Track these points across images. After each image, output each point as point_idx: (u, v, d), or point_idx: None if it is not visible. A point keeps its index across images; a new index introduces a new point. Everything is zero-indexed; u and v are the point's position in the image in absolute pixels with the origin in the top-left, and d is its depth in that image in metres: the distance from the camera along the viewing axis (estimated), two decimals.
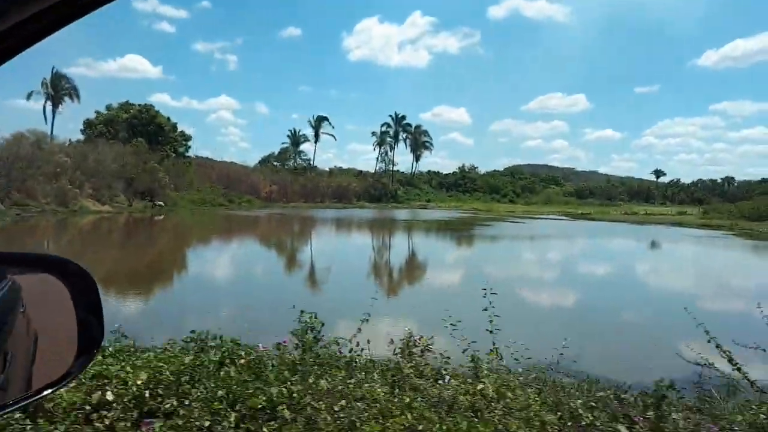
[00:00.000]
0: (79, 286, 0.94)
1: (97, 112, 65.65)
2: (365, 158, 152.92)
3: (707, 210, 71.92)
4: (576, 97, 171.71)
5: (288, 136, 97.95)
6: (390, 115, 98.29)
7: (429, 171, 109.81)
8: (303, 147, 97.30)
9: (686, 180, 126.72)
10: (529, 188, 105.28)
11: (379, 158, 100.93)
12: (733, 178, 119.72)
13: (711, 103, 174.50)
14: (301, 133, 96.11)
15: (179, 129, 69.71)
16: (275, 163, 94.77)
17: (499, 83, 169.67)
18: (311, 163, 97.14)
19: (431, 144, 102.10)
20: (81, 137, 63.21)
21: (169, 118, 68.34)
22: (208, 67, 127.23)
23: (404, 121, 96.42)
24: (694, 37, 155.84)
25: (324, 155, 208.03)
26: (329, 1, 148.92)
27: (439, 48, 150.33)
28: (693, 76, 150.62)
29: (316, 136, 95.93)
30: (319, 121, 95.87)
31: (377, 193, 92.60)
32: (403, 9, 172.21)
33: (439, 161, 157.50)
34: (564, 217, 70.99)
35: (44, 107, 60.25)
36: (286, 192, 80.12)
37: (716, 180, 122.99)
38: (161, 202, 51.26)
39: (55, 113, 60.49)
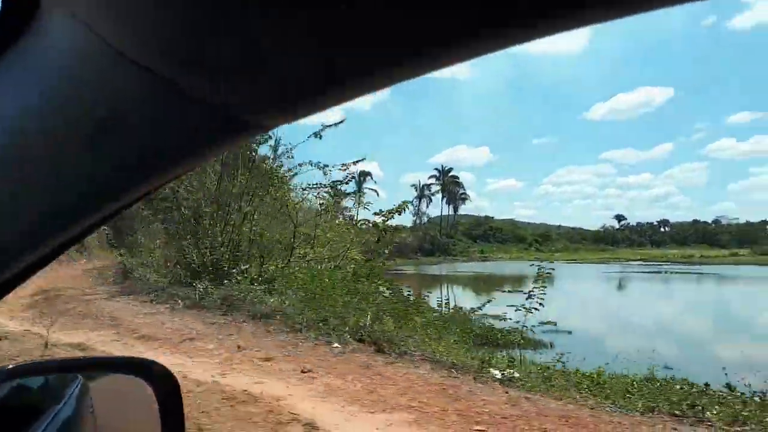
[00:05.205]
0: (163, 387, 0.94)
1: None
2: None
3: (758, 252, 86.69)
4: (480, 149, 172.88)
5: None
6: (436, 168, 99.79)
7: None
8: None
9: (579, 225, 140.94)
10: (546, 236, 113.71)
11: (414, 211, 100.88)
12: (667, 220, 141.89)
13: (601, 152, 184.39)
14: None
15: None
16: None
17: (408, 138, 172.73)
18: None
19: (467, 195, 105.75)
20: None
21: None
22: None
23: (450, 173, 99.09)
24: (583, 91, 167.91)
25: None
26: None
27: (349, 105, 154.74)
28: (584, 127, 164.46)
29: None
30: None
31: (429, 246, 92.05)
32: None
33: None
34: (654, 264, 79.26)
35: None
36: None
37: (653, 223, 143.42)
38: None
39: None
